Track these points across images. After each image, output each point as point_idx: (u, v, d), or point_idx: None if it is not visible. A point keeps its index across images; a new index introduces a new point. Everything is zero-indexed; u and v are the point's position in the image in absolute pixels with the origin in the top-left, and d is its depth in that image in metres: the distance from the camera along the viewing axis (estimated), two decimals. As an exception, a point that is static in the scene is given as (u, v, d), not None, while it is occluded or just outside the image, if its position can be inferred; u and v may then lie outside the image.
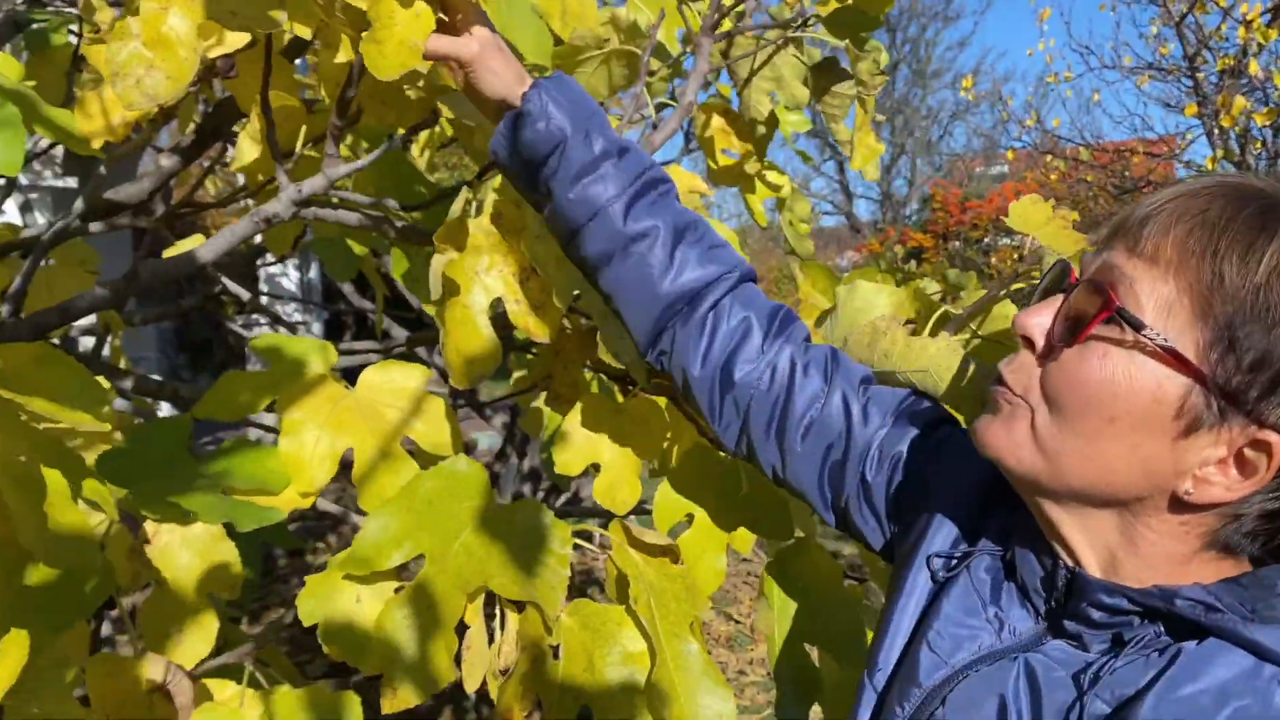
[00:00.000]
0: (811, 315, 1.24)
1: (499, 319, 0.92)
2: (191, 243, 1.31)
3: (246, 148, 1.12)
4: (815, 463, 0.80)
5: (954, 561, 0.67)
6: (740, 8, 1.29)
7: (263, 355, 0.94)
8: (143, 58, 0.67)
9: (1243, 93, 5.57)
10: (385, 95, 0.96)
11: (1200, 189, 0.56)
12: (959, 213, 14.79)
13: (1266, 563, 0.60)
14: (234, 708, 0.77)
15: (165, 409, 2.07)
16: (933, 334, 0.91)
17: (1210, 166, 5.64)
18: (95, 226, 1.36)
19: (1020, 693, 0.58)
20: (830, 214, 22.01)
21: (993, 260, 12.13)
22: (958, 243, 14.55)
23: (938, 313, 0.96)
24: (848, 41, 1.21)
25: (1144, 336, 0.54)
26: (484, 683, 0.78)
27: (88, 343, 1.50)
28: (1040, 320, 0.60)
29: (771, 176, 1.51)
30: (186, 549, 0.82)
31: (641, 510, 1.03)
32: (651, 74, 1.39)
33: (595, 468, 1.01)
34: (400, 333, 2.15)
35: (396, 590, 0.78)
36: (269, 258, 2.28)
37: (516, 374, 1.55)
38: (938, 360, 0.83)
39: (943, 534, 0.70)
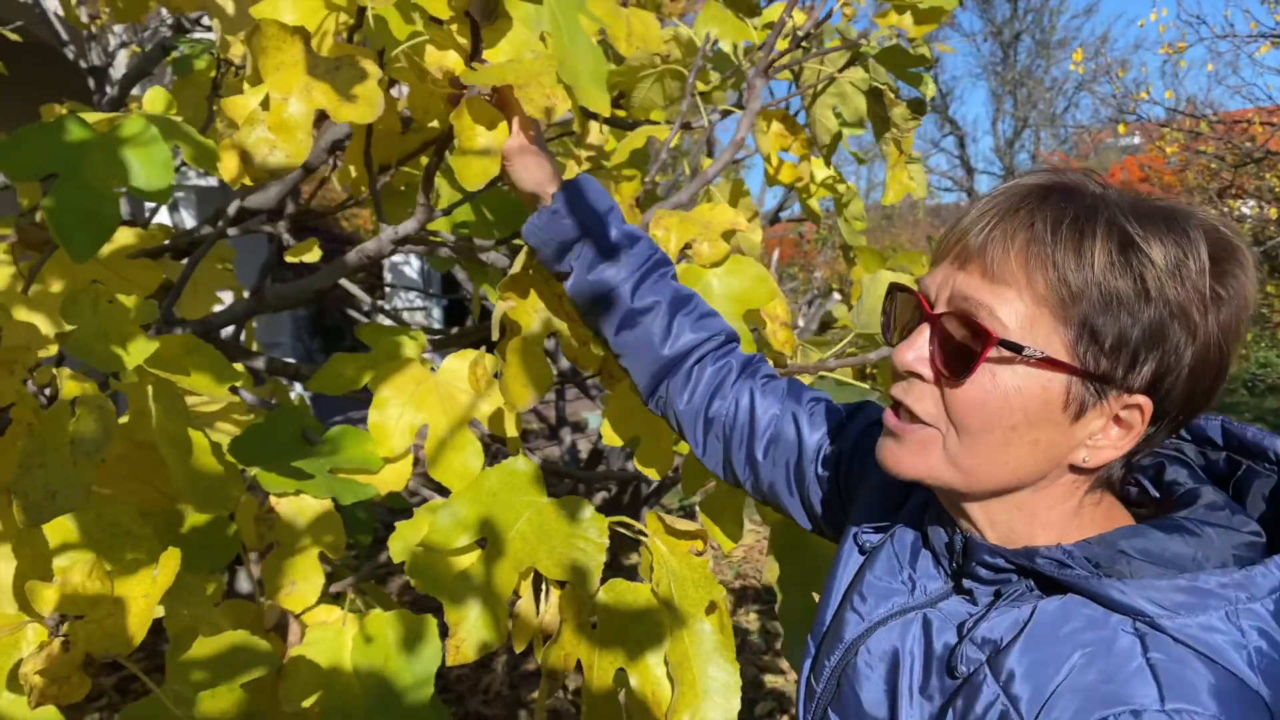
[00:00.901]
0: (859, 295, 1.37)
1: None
2: (307, 247, 1.50)
3: (350, 168, 1.28)
4: (780, 471, 0.93)
5: (877, 534, 0.79)
6: (805, 38, 1.37)
7: (366, 340, 1.10)
8: (267, 140, 0.83)
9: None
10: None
11: (1017, 205, 0.64)
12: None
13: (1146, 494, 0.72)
14: (338, 627, 0.95)
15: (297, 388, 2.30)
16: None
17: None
18: (233, 231, 1.56)
19: (915, 641, 0.69)
20: (950, 190, 21.32)
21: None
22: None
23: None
24: (885, 85, 1.29)
25: (1023, 356, 0.62)
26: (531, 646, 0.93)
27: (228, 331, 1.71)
28: (919, 354, 0.67)
29: (829, 179, 1.60)
30: (300, 516, 0.99)
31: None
32: (707, 85, 1.49)
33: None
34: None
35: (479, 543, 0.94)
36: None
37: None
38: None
39: (869, 510, 0.82)
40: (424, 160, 1.19)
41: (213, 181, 4.62)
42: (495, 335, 0.99)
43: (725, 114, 1.61)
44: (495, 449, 1.92)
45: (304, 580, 0.97)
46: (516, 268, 1.02)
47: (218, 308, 1.38)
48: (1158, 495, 0.72)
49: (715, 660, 0.94)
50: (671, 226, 1.13)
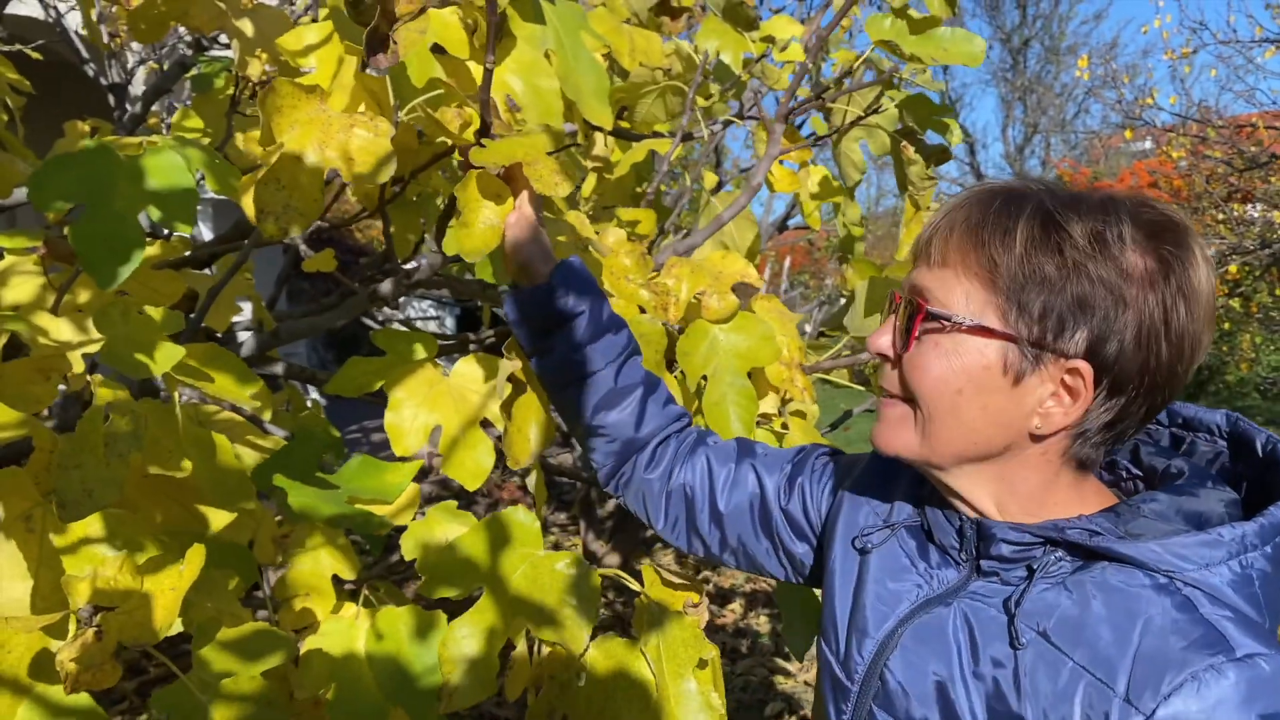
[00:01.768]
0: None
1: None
2: (324, 257, 1.55)
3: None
4: (746, 518, 0.98)
5: (876, 536, 0.83)
6: (825, 91, 1.41)
7: (381, 344, 1.15)
8: (282, 197, 0.87)
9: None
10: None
11: (962, 202, 0.73)
12: (1091, 193, 14.06)
13: (1122, 482, 0.78)
14: (351, 620, 1.00)
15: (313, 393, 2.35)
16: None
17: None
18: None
19: (959, 629, 0.72)
20: (957, 196, 21.28)
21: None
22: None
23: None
24: (904, 143, 1.32)
25: (954, 322, 0.70)
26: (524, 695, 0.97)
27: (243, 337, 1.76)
28: (884, 339, 0.77)
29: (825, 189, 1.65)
30: (314, 539, 1.05)
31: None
32: (709, 97, 1.54)
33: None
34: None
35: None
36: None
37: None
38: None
39: (860, 516, 0.86)
40: (436, 175, 1.23)
41: (229, 194, 4.70)
42: (501, 398, 1.02)
43: (726, 124, 1.65)
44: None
45: (315, 596, 1.02)
46: None
47: (237, 318, 1.44)
48: (1140, 474, 0.79)
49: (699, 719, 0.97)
50: (683, 276, 1.17)
